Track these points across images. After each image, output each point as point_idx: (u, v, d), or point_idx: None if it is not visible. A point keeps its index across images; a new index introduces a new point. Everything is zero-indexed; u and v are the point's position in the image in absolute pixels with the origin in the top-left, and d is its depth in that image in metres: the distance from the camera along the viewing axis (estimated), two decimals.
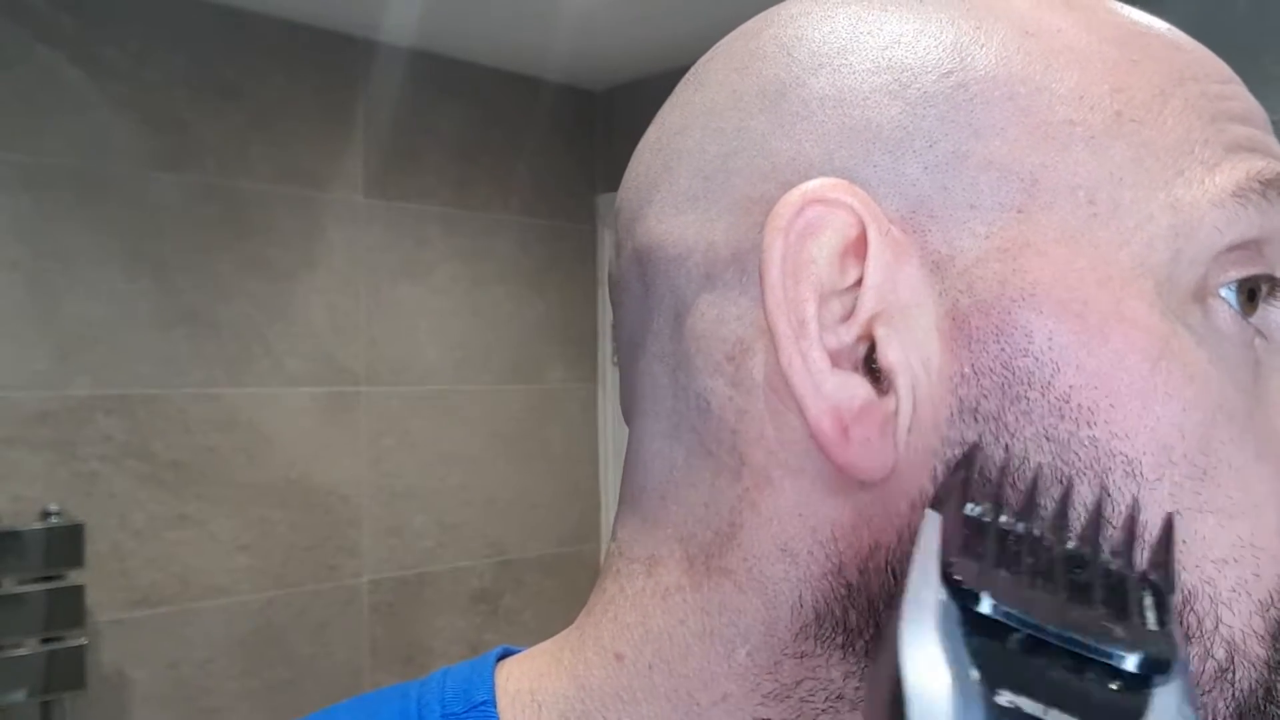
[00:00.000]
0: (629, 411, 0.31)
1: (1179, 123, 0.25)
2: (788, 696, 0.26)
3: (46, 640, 1.67)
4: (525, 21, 2.17)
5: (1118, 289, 0.24)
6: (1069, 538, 0.22)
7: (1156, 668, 0.18)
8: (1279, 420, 0.25)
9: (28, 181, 1.81)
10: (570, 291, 2.57)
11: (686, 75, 0.31)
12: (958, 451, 0.24)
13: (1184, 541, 0.24)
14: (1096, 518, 0.22)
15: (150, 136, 1.94)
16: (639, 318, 0.30)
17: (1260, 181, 0.25)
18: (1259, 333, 0.26)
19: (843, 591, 0.25)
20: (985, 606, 0.19)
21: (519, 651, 0.32)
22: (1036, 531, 0.21)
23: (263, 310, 2.07)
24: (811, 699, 0.26)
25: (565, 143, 2.55)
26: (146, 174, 1.93)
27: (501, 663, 0.32)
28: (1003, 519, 0.22)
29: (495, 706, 0.30)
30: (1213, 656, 0.24)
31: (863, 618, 0.25)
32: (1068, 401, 0.23)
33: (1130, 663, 0.18)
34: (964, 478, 0.22)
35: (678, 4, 2.03)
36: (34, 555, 1.67)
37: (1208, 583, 0.24)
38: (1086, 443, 0.23)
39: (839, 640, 0.25)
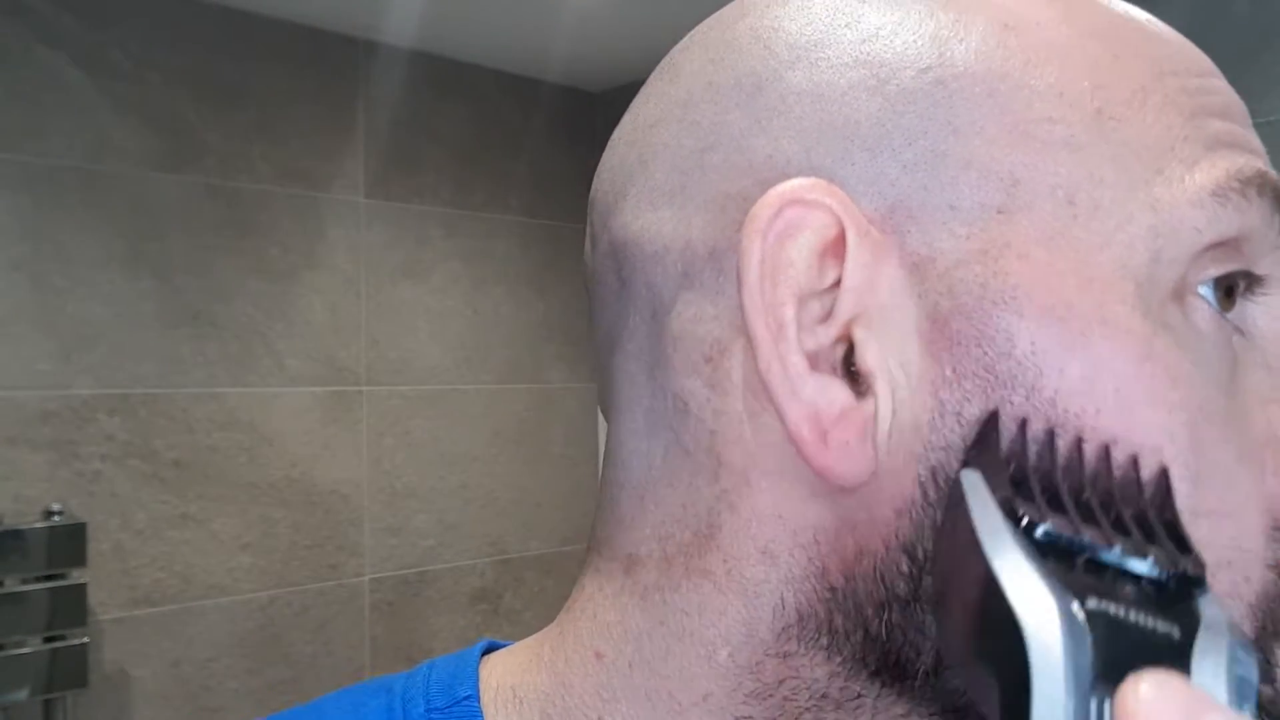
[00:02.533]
0: (606, 407, 0.30)
1: (1159, 120, 0.25)
2: (770, 695, 0.26)
3: (49, 639, 1.68)
4: (525, 23, 2.18)
5: (1099, 292, 0.23)
6: (1087, 486, 0.22)
7: (1196, 583, 0.20)
8: (1256, 418, 0.25)
9: (30, 182, 1.82)
10: (570, 291, 2.58)
11: (661, 64, 0.31)
12: (942, 456, 0.24)
13: None
14: (1108, 469, 0.23)
15: (151, 137, 1.94)
16: (615, 314, 0.29)
17: (1239, 180, 0.24)
18: (1237, 329, 0.26)
19: (827, 595, 0.25)
20: (1046, 533, 0.20)
21: (504, 645, 0.32)
22: (1066, 482, 0.22)
23: (264, 310, 2.07)
24: (795, 698, 0.26)
25: (565, 143, 2.55)
26: (148, 174, 1.94)
27: (486, 657, 0.32)
28: (1036, 473, 0.22)
29: (479, 701, 0.29)
30: None
31: (850, 621, 0.25)
32: (1053, 406, 0.23)
33: (1171, 578, 0.20)
34: (991, 439, 0.23)
35: (677, 5, 2.04)
36: (36, 554, 1.68)
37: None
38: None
39: (824, 642, 0.25)
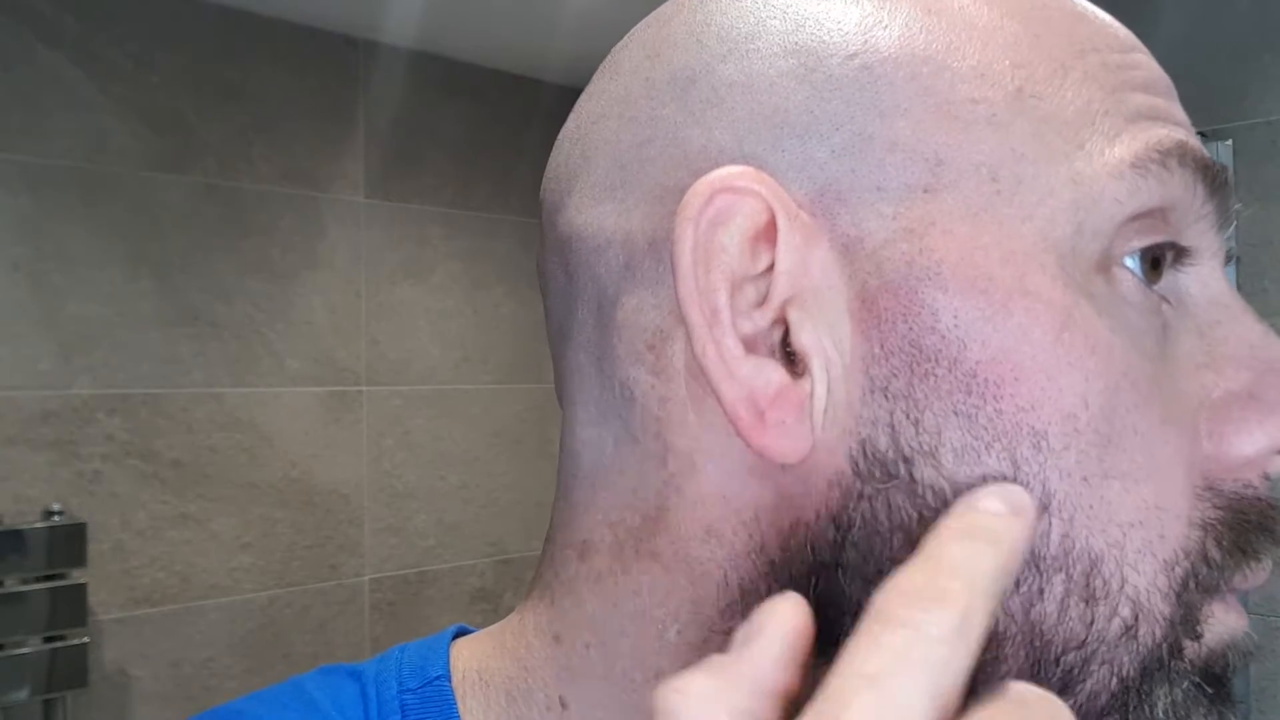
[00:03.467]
0: (562, 399, 0.31)
1: (1079, 95, 0.25)
2: None
3: (49, 639, 1.68)
4: (525, 23, 2.18)
5: (1020, 264, 0.24)
6: None
7: None
8: (1185, 383, 0.26)
9: (29, 182, 1.82)
10: None
11: (603, 63, 0.32)
12: (871, 430, 0.25)
13: (1090, 507, 0.24)
14: None
15: (152, 137, 1.94)
16: (564, 307, 0.30)
17: (1159, 151, 0.25)
18: (1165, 299, 0.26)
19: (765, 569, 0.26)
20: None
21: (474, 631, 0.34)
22: None
23: (264, 310, 2.07)
24: None
25: None
26: (148, 174, 1.94)
27: (455, 641, 0.33)
28: None
29: (450, 681, 0.30)
30: (1119, 615, 0.24)
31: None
32: (974, 376, 0.24)
33: None
34: None
35: None
36: (36, 554, 1.68)
37: (1114, 546, 0.24)
38: (994, 416, 0.24)
39: None
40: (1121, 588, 0.24)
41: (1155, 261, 0.26)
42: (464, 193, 2.39)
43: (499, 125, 2.44)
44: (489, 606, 2.40)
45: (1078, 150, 0.25)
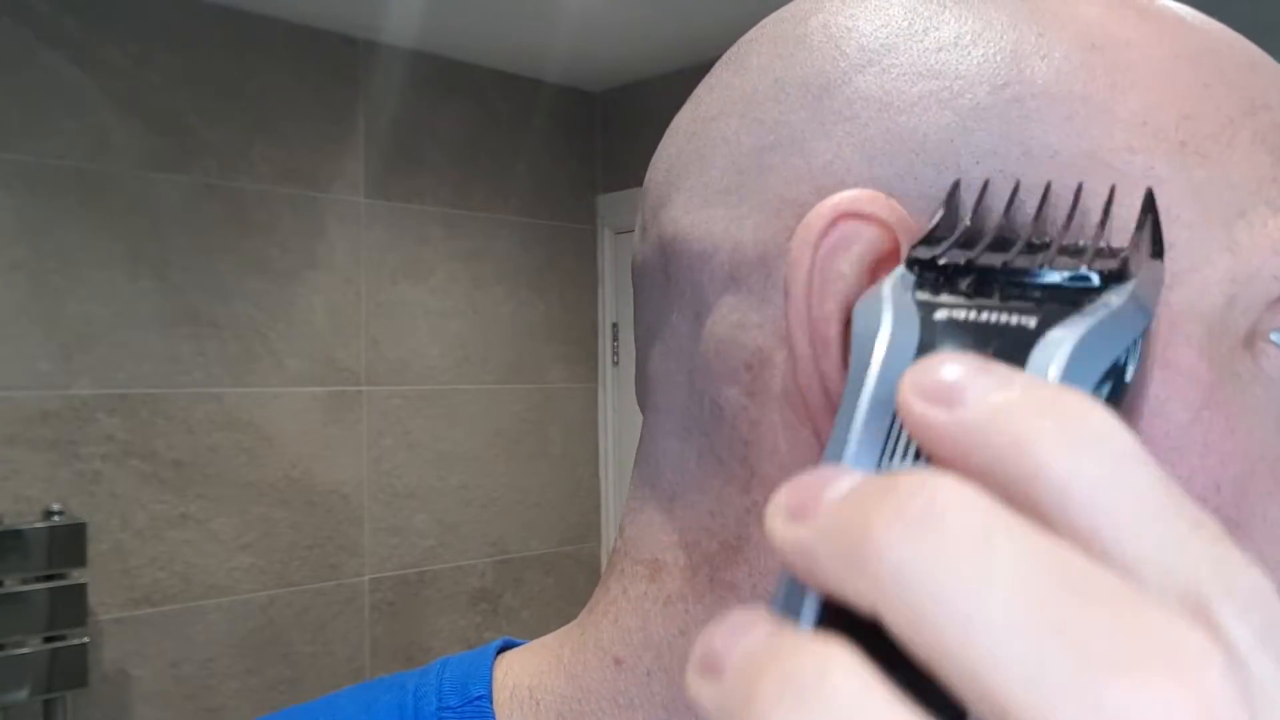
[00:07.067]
0: (643, 402, 0.30)
1: (1246, 158, 0.23)
2: None
3: (49, 639, 1.68)
4: (525, 23, 2.18)
5: (1165, 333, 0.22)
6: (1024, 226, 0.21)
7: (1111, 277, 0.18)
8: None
9: (30, 182, 1.82)
10: (570, 291, 2.58)
11: (726, 54, 0.29)
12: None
13: None
14: (1072, 212, 0.21)
15: (152, 137, 1.94)
16: (658, 309, 0.28)
17: None
18: None
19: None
20: (928, 255, 0.19)
21: (520, 644, 0.32)
22: (1006, 233, 0.21)
23: (264, 310, 2.07)
24: None
25: (565, 143, 2.55)
26: (148, 174, 1.94)
27: (501, 656, 0.31)
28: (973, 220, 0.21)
29: (491, 702, 0.29)
30: None
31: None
32: None
33: (1073, 278, 0.18)
34: (944, 210, 0.22)
35: (677, 5, 2.04)
36: (37, 554, 1.68)
37: None
38: None
39: None
40: None
41: None
42: (464, 193, 2.39)
43: (499, 125, 2.44)
44: (489, 606, 2.40)
45: (1238, 218, 0.23)
